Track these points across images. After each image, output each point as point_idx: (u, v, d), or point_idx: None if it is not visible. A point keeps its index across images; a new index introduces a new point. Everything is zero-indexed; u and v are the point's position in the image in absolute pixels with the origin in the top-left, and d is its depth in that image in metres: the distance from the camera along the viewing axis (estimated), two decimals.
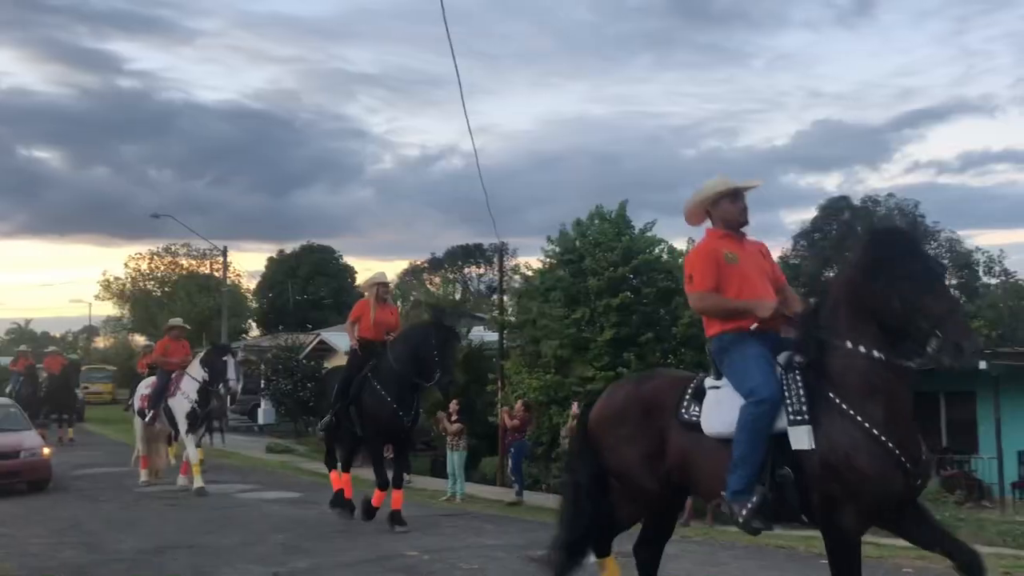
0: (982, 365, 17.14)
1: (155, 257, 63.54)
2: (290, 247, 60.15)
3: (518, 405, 16.20)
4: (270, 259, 59.89)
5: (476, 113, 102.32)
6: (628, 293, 17.69)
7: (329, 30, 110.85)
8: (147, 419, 13.83)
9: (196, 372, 13.20)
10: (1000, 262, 51.73)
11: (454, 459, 14.82)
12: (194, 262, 62.57)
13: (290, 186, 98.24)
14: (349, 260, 61.07)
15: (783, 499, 4.43)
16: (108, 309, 68.68)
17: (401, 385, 9.42)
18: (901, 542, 10.99)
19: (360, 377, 9.65)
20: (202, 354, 13.61)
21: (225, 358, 13.05)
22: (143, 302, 60.60)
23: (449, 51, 23.21)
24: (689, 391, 4.87)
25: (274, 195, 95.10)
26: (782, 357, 4.62)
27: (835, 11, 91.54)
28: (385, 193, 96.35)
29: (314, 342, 33.35)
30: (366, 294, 10.61)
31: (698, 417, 4.72)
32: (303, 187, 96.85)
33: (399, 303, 26.73)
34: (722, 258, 4.88)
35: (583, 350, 17.88)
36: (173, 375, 13.53)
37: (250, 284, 61.90)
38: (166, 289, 59.93)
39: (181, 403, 13.17)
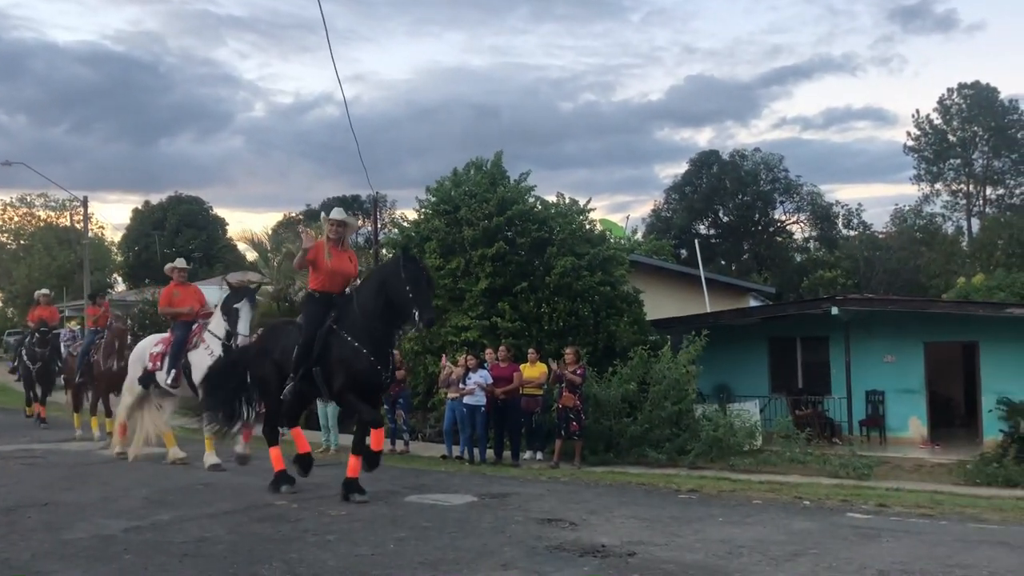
0: (834, 311, 18.21)
1: (8, 208, 60.20)
2: (157, 198, 58.14)
3: (397, 355, 16.17)
4: (135, 210, 57.82)
5: (352, 60, 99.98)
6: (503, 243, 17.81)
7: None
8: (169, 380, 11.16)
9: (217, 324, 10.76)
10: (858, 215, 54.83)
11: (327, 411, 14.74)
12: (52, 213, 59.62)
13: (156, 134, 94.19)
14: (219, 211, 59.59)
15: None
16: None
17: (374, 335, 8.14)
18: (755, 477, 11.73)
19: (324, 331, 8.27)
20: (222, 300, 11.04)
21: (238, 304, 10.43)
22: None
23: None
24: None
25: (139, 143, 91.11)
26: None
27: None
28: (257, 142, 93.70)
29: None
30: (318, 235, 8.88)
31: None
32: (170, 135, 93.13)
33: (277, 257, 26.13)
34: None
35: (458, 300, 17.95)
36: (194, 326, 11.25)
37: (115, 236, 59.46)
38: (22, 242, 56.91)
39: (202, 360, 10.77)
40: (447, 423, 14.46)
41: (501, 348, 14.72)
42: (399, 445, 15.23)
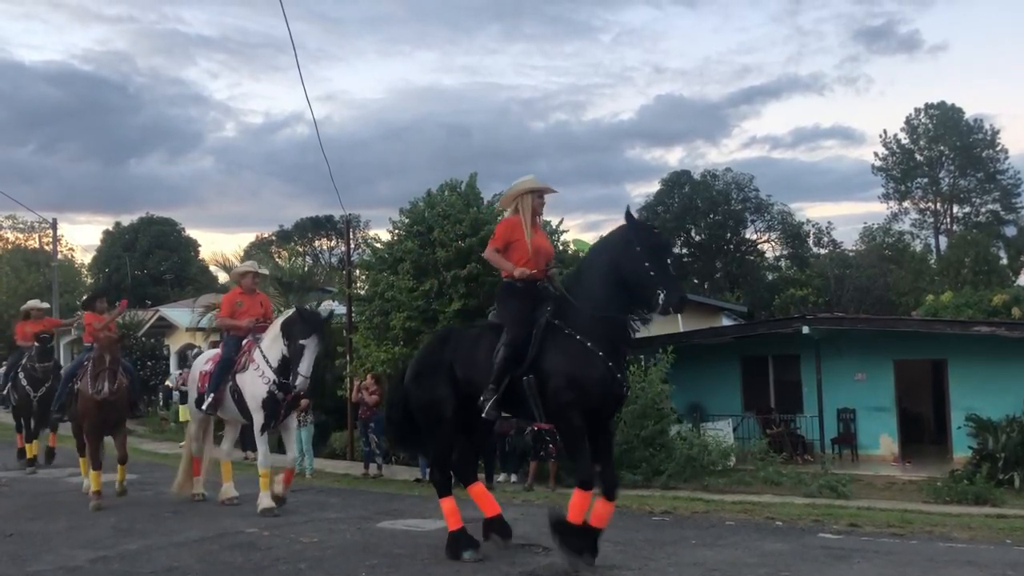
0: (805, 330, 18.36)
1: None
2: (128, 219, 57.65)
3: (368, 379, 16.12)
4: (106, 232, 57.24)
5: (323, 80, 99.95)
6: (476, 264, 17.80)
7: None
8: (205, 406, 9.89)
9: (272, 344, 9.29)
10: (828, 233, 55.44)
11: (301, 435, 14.60)
12: (21, 235, 59.03)
13: (126, 154, 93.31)
14: (191, 232, 59.16)
15: None
16: None
17: (609, 332, 6.21)
18: (728, 497, 11.77)
19: (541, 328, 6.34)
20: (284, 317, 9.47)
21: (305, 340, 8.90)
22: None
23: (287, 13, 22.55)
24: None
25: (109, 164, 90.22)
26: None
27: None
28: (228, 162, 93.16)
29: (153, 318, 32.09)
30: (507, 212, 7.16)
31: None
32: (140, 156, 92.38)
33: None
34: None
35: (432, 321, 17.89)
36: (244, 342, 9.77)
37: (85, 258, 58.92)
38: None
39: (255, 384, 9.32)
40: None
41: None
42: (372, 468, 15.17)
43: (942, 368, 19.26)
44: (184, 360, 29.80)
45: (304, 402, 14.66)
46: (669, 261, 6.23)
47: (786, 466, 15.49)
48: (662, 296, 5.94)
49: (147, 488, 11.77)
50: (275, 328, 9.35)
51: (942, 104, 56.02)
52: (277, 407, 9.31)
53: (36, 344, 13.33)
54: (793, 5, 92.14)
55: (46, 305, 16.61)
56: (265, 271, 11.09)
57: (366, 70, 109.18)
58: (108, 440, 10.64)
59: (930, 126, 56.10)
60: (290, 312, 9.58)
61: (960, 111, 55.66)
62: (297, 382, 8.92)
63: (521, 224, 6.74)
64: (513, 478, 14.27)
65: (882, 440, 19.37)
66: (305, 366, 8.87)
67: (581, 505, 6.16)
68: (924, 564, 6.68)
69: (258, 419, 9.33)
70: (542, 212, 7.01)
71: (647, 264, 6.04)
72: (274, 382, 9.17)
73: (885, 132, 57.93)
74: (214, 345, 28.88)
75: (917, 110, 56.94)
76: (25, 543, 7.73)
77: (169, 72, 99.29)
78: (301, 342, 8.89)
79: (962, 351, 18.36)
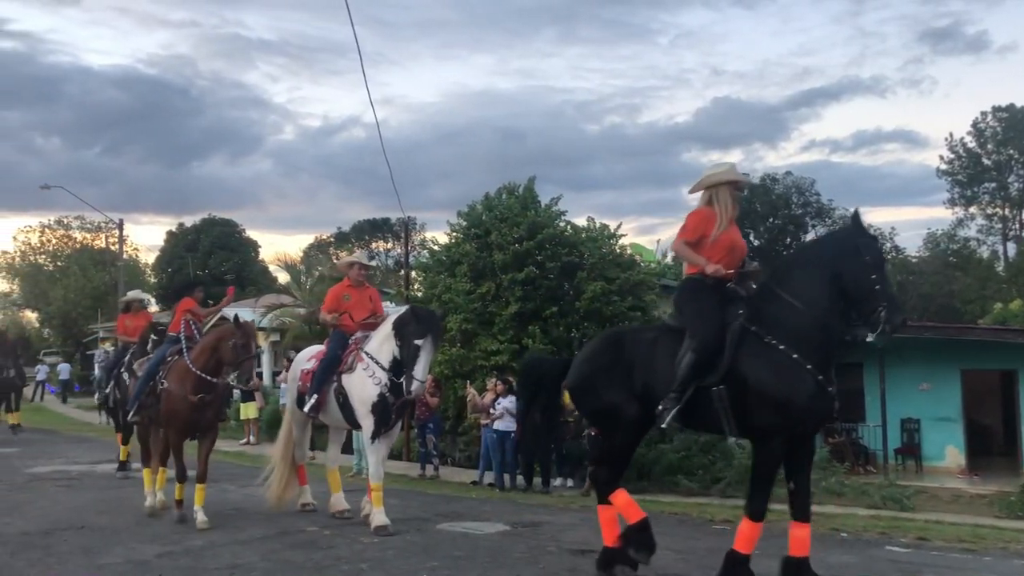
0: (869, 337, 17.96)
1: (46, 230, 61.37)
2: (190, 220, 58.92)
3: (429, 380, 16.16)
4: (169, 233, 58.60)
5: (380, 84, 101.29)
6: (533, 268, 17.80)
7: None
8: (307, 408, 9.02)
9: (382, 344, 8.54)
10: (891, 239, 54.18)
11: (360, 436, 14.74)
12: (88, 235, 60.71)
13: (188, 156, 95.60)
14: (252, 234, 60.26)
15: None
16: None
17: (825, 340, 5.67)
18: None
19: (736, 331, 5.74)
20: (396, 315, 8.66)
21: (420, 341, 8.13)
22: (34, 277, 58.53)
23: (347, 18, 22.84)
24: None
25: (171, 166, 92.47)
26: None
27: None
28: (286, 165, 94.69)
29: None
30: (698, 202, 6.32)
31: None
32: (201, 158, 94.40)
33: (309, 280, 26.30)
34: None
35: (488, 324, 17.95)
36: (351, 340, 8.98)
37: (148, 258, 60.36)
38: (59, 263, 57.94)
39: (364, 385, 8.50)
40: (483, 448, 14.48)
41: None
42: (429, 470, 15.23)
43: (1012, 379, 18.71)
44: None
45: None
46: (890, 278, 5.79)
47: (848, 476, 15.16)
48: (883, 313, 5.50)
49: (209, 485, 11.95)
50: (387, 327, 8.57)
51: (1011, 107, 54.47)
52: (388, 412, 8.45)
53: (154, 336, 11.49)
54: (855, 6, 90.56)
55: (148, 297, 15.32)
56: (374, 263, 10.17)
57: (422, 74, 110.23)
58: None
59: (998, 129, 54.57)
60: (403, 310, 8.78)
61: None
62: (413, 387, 8.14)
63: (716, 217, 6.09)
64: (569, 483, 14.19)
65: (948, 451, 18.89)
66: (421, 369, 8.10)
67: (750, 536, 5.84)
68: None
69: (367, 425, 8.45)
70: (738, 205, 6.33)
71: (874, 277, 5.59)
72: (386, 384, 8.38)
73: (951, 135, 56.57)
74: (273, 345, 29.33)
75: (984, 113, 55.49)
76: (95, 536, 7.92)
77: (230, 75, 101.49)
78: (416, 343, 8.11)
79: None
